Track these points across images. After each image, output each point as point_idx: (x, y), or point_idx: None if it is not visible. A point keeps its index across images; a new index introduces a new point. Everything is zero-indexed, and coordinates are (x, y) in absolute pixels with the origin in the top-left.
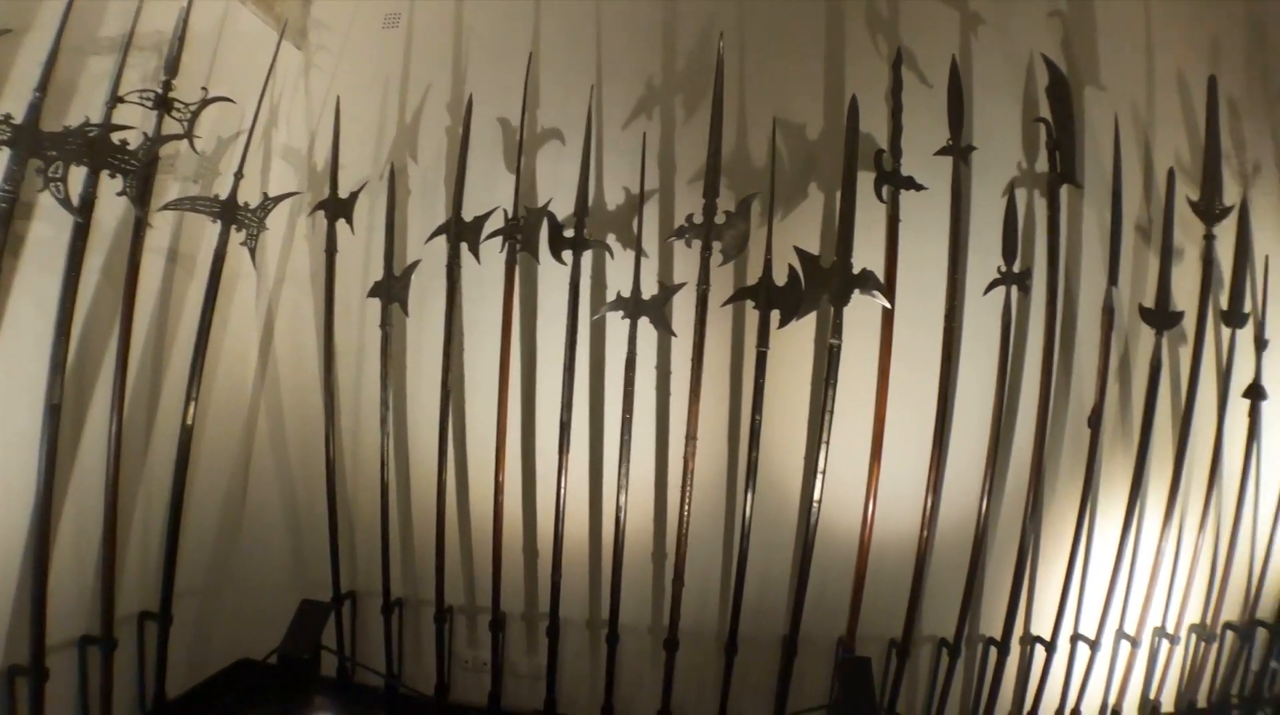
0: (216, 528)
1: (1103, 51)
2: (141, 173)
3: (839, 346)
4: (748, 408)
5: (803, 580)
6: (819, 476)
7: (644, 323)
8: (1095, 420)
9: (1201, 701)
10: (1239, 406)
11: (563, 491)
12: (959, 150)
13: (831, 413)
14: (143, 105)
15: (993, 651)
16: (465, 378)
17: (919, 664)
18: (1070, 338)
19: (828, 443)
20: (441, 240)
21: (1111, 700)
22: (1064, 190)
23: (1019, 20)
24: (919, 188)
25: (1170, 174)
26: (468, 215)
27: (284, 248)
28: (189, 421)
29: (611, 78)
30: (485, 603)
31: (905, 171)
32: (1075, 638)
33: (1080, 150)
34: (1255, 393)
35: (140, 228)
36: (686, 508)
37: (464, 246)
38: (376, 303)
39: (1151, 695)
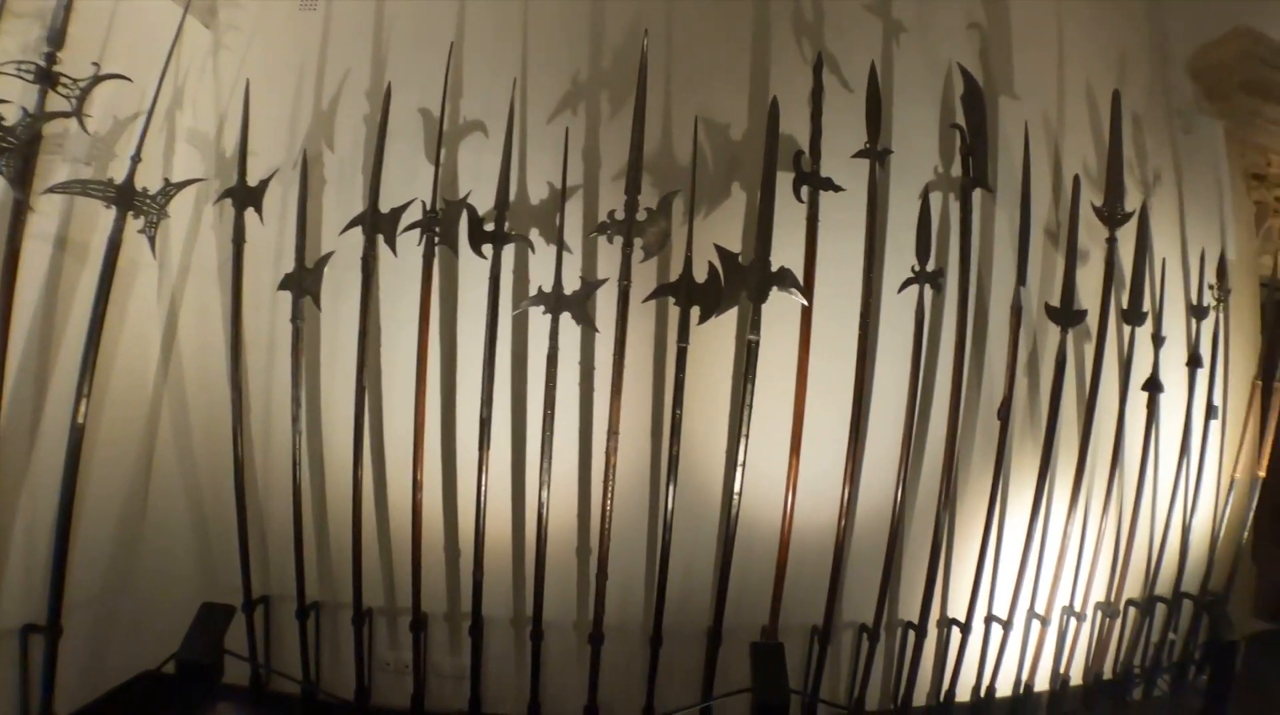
0: (114, 533)
1: (1017, 63)
2: (21, 151)
3: (758, 342)
4: (670, 403)
5: (725, 571)
6: (739, 469)
7: (567, 319)
8: (1005, 412)
9: (1107, 673)
10: (1138, 398)
11: (483, 488)
12: (876, 153)
13: (751, 407)
14: (22, 78)
15: (911, 635)
16: (382, 374)
17: (840, 649)
18: (981, 334)
19: (747, 436)
20: (357, 232)
21: (1024, 676)
22: (976, 194)
23: (939, 29)
24: (837, 189)
25: (1076, 181)
26: (385, 206)
27: (189, 237)
28: (80, 420)
29: (537, 70)
30: (406, 603)
31: (826, 173)
32: (989, 619)
33: (993, 156)
34: (1153, 386)
35: (20, 211)
36: (609, 502)
37: (380, 238)
38: (288, 296)
39: (1061, 670)
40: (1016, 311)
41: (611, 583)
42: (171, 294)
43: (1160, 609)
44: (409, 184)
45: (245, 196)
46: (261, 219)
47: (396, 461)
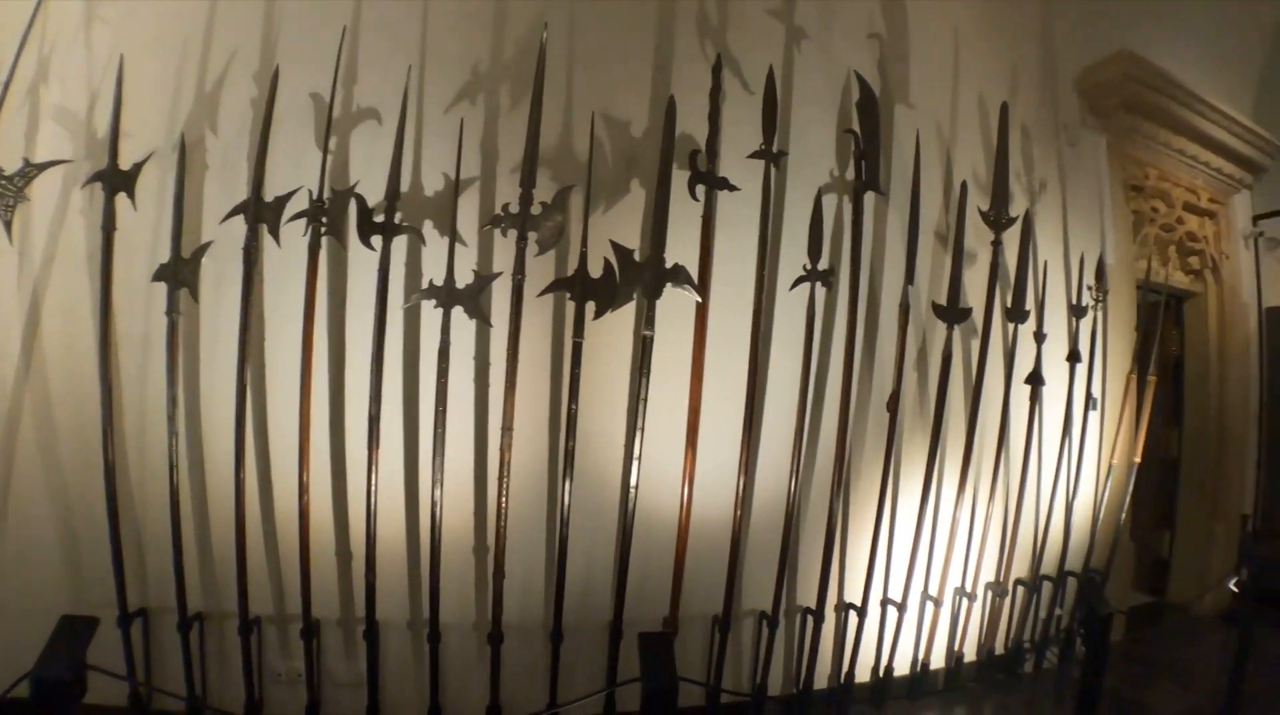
0: None
1: (913, 73)
2: None
3: (652, 337)
4: (566, 398)
5: (624, 565)
6: (636, 463)
7: (459, 314)
8: (894, 404)
9: (999, 649)
10: (1021, 391)
11: (374, 488)
12: (771, 155)
13: (646, 401)
14: None
15: (810, 620)
16: (265, 371)
17: (742, 637)
18: (872, 330)
19: (643, 430)
20: (239, 221)
21: (921, 655)
22: (869, 196)
23: (839, 38)
24: (732, 188)
25: (964, 186)
26: (270, 194)
27: (54, 223)
28: None
29: (435, 59)
30: (295, 610)
31: (723, 172)
32: (885, 602)
33: (887, 161)
34: (1035, 379)
35: None
36: (504, 499)
37: (264, 228)
38: (163, 288)
39: (956, 647)
40: (905, 309)
41: (510, 580)
42: (34, 285)
43: (1046, 586)
44: (296, 171)
45: (117, 180)
46: (134, 205)
47: (281, 463)
